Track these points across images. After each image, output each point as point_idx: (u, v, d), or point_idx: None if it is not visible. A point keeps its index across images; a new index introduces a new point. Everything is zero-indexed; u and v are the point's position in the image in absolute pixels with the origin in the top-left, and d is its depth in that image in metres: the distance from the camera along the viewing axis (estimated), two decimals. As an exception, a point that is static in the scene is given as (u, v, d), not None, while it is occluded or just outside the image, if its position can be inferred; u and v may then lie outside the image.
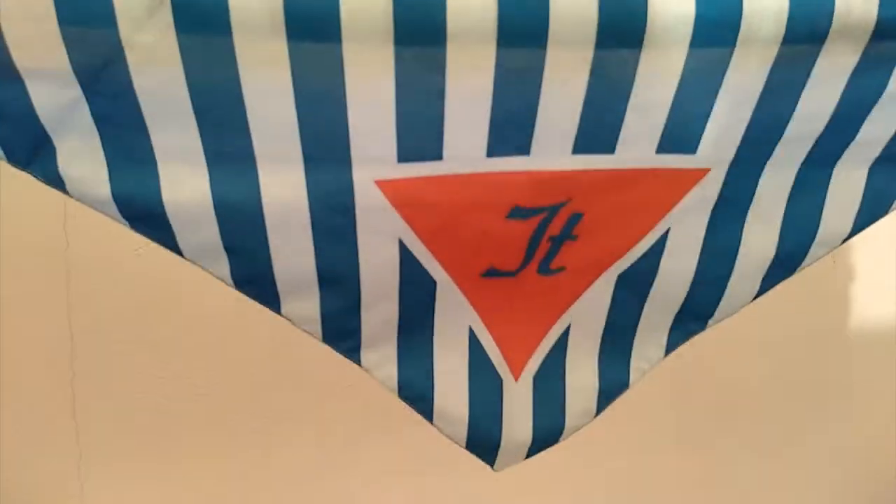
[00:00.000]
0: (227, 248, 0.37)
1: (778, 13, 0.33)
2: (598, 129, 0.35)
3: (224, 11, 0.30)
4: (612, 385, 0.46)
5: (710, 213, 0.40)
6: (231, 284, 0.39)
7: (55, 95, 0.32)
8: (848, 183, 0.41)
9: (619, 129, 0.35)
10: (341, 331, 0.42)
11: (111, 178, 0.35)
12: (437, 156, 0.35)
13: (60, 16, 0.30)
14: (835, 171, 0.40)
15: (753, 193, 0.40)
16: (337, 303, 0.40)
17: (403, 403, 0.44)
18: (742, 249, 0.42)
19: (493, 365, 0.44)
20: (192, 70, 0.32)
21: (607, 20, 0.32)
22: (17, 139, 0.33)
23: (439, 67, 0.32)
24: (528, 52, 0.32)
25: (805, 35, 0.33)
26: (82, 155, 0.34)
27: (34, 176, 0.34)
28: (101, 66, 0.32)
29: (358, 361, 0.43)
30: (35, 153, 0.34)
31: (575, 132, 0.35)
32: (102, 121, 0.34)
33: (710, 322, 0.45)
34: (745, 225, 0.41)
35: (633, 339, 0.45)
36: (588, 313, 0.43)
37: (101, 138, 0.34)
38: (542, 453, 0.47)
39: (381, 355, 0.43)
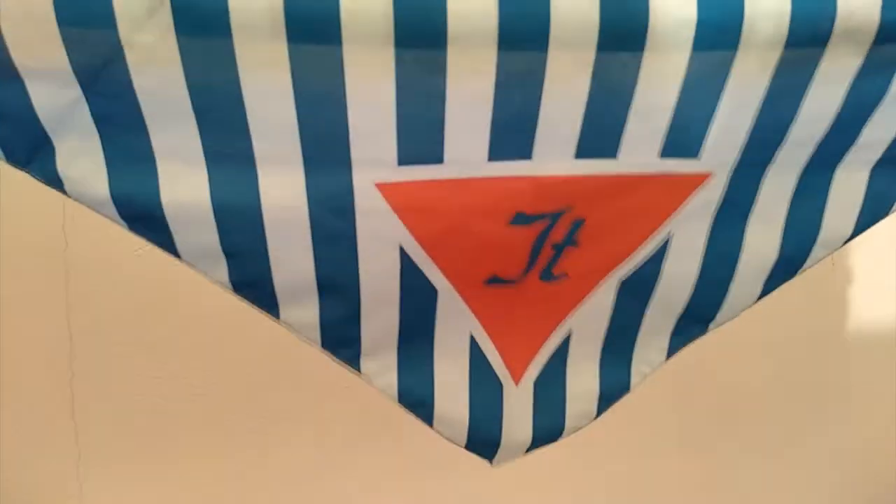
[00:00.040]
0: (225, 251, 0.37)
1: (780, 16, 0.32)
2: (601, 134, 0.35)
3: (224, 13, 0.30)
4: (613, 388, 0.46)
5: (713, 218, 0.40)
6: (229, 289, 0.38)
7: (55, 95, 0.32)
8: (849, 185, 0.41)
9: (622, 134, 0.35)
10: (341, 339, 0.41)
11: (110, 178, 0.34)
12: (438, 159, 0.35)
13: (60, 16, 0.30)
14: (836, 174, 0.40)
15: (755, 197, 0.40)
16: (336, 310, 0.40)
17: (402, 405, 0.44)
18: (744, 253, 0.42)
19: (493, 371, 0.44)
20: (191, 71, 0.32)
21: (608, 23, 0.31)
22: (17, 139, 0.33)
23: (440, 70, 0.32)
24: (529, 56, 0.32)
25: (807, 38, 0.33)
26: (82, 155, 0.34)
27: (33, 176, 0.34)
28: (100, 67, 0.32)
29: (358, 370, 0.43)
30: (34, 153, 0.33)
31: (577, 136, 0.35)
32: (102, 121, 0.34)
33: (712, 325, 0.45)
34: (747, 228, 0.41)
35: (635, 342, 0.45)
36: (590, 318, 0.43)
37: (101, 138, 0.34)
38: (542, 455, 0.47)
39: (382, 363, 0.43)
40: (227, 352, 0.73)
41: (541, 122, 0.34)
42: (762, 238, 0.41)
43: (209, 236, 0.36)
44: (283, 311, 0.40)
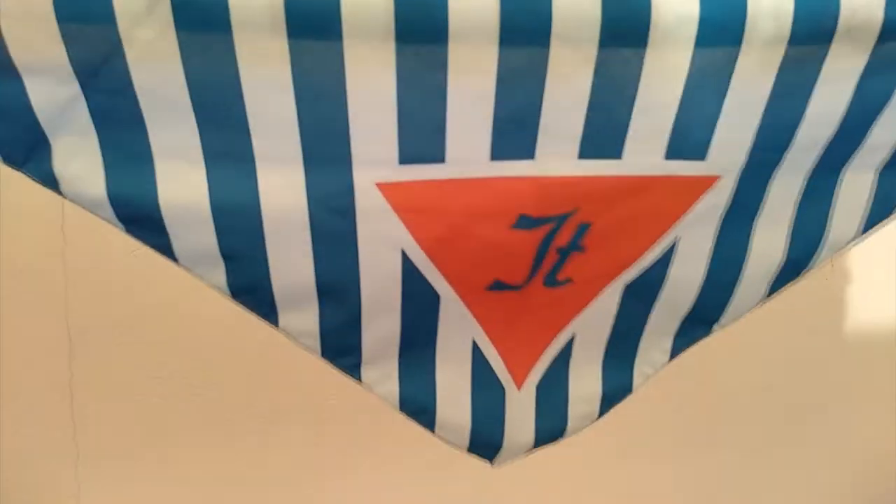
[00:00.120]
0: (223, 254, 0.36)
1: (782, 14, 0.32)
2: (604, 133, 0.35)
3: (224, 9, 0.30)
4: (616, 390, 0.45)
5: (720, 221, 0.40)
6: (227, 294, 0.38)
7: (53, 93, 0.32)
8: (856, 187, 0.40)
9: (626, 133, 0.35)
10: (341, 346, 0.41)
11: (107, 178, 0.34)
12: (440, 158, 0.35)
13: (60, 13, 0.30)
14: (843, 176, 0.40)
15: (763, 200, 0.40)
16: (336, 316, 0.39)
17: (402, 406, 0.44)
18: (750, 256, 0.41)
19: (496, 376, 0.44)
20: (191, 67, 0.32)
21: (610, 19, 0.31)
22: (14, 137, 0.33)
23: (441, 66, 0.32)
24: (530, 52, 0.32)
25: (810, 35, 0.33)
26: (78, 154, 0.34)
27: (29, 176, 0.33)
28: (99, 63, 0.31)
29: (358, 378, 0.42)
30: (31, 152, 0.33)
31: (580, 135, 0.34)
32: (100, 118, 0.33)
33: (716, 327, 0.45)
34: (754, 231, 0.41)
35: (638, 344, 0.45)
36: (593, 322, 0.43)
37: (98, 137, 0.34)
38: (542, 455, 0.47)
39: (382, 372, 0.42)
40: (226, 352, 0.73)
41: (543, 119, 0.34)
42: (769, 241, 0.41)
43: (207, 238, 0.36)
44: (283, 318, 0.39)
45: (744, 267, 0.42)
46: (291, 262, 0.37)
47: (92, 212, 0.35)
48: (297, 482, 0.79)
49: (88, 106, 0.33)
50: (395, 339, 0.41)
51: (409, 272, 0.38)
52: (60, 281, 0.69)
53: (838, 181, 0.40)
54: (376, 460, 0.79)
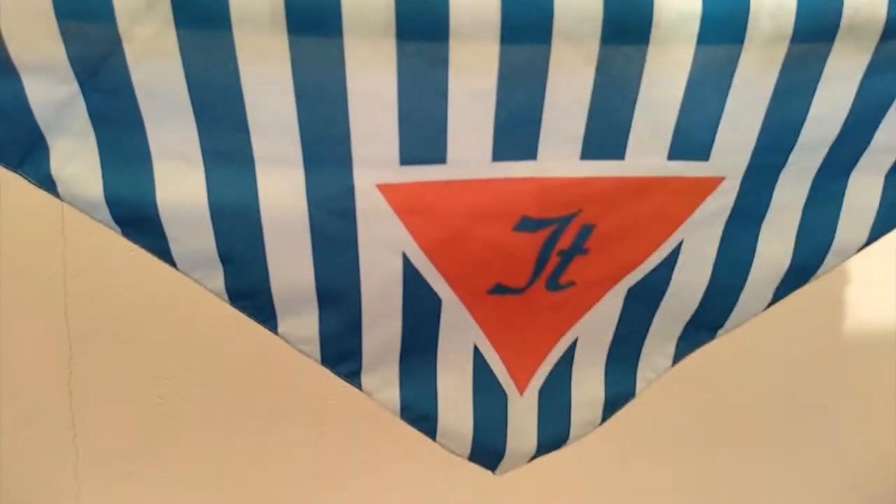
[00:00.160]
0: (222, 257, 0.36)
1: (785, 11, 0.32)
2: (606, 132, 0.34)
3: (224, 5, 0.30)
4: (619, 395, 0.45)
5: (725, 224, 0.39)
6: (226, 299, 0.37)
7: (51, 92, 0.32)
8: (864, 191, 0.40)
9: (628, 132, 0.34)
10: (341, 353, 0.40)
11: (105, 180, 0.34)
12: (441, 159, 0.34)
13: (59, 10, 0.30)
14: (850, 179, 0.40)
15: (769, 204, 0.39)
16: (336, 321, 0.39)
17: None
18: (756, 260, 0.41)
19: (498, 381, 0.43)
20: (190, 65, 0.31)
21: (612, 15, 0.31)
22: (11, 138, 0.32)
23: (442, 63, 0.32)
24: (532, 49, 0.32)
25: (813, 33, 0.33)
26: (76, 155, 0.33)
27: (25, 178, 0.33)
28: (99, 61, 0.31)
29: (358, 385, 0.41)
30: (28, 153, 0.33)
31: (582, 135, 0.34)
32: (98, 118, 0.33)
33: (720, 332, 0.44)
34: (760, 236, 0.40)
35: (641, 349, 0.44)
36: (596, 326, 0.42)
37: (97, 137, 0.33)
38: (543, 457, 0.46)
39: (383, 378, 0.42)
40: (226, 352, 0.73)
41: (545, 119, 0.34)
42: (775, 245, 0.40)
43: (206, 240, 0.35)
44: (282, 323, 0.38)
45: (749, 272, 0.41)
46: (291, 264, 0.36)
47: (89, 214, 0.34)
48: (297, 482, 0.79)
49: (87, 106, 0.32)
50: (395, 345, 0.41)
51: (410, 275, 0.37)
52: (60, 281, 0.68)
53: (845, 185, 0.40)
54: (376, 460, 0.79)
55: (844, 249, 0.41)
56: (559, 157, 0.35)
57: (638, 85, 0.33)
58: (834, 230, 0.41)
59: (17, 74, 0.31)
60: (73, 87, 0.32)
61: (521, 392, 0.43)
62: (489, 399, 0.43)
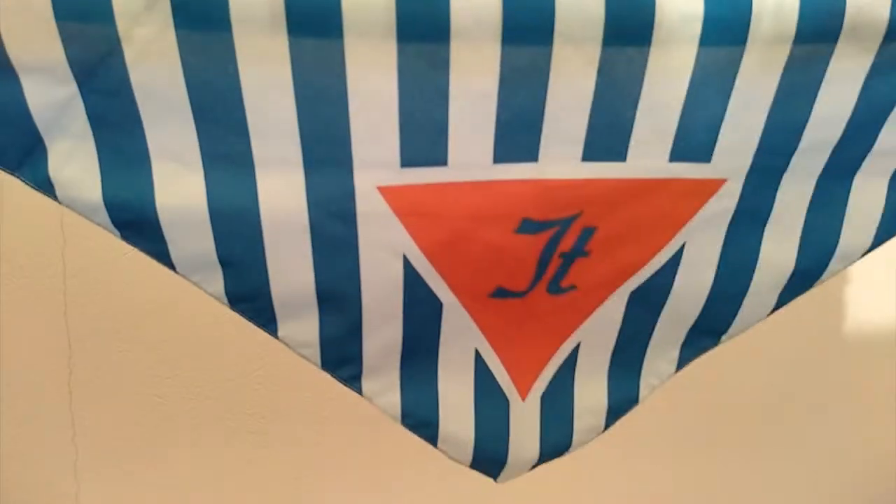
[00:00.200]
0: (221, 260, 0.36)
1: (788, 12, 0.32)
2: (608, 134, 0.34)
3: (223, 6, 0.30)
4: (622, 401, 0.45)
5: (727, 227, 0.39)
6: (225, 302, 0.37)
7: (50, 93, 0.31)
8: (868, 194, 0.40)
9: (630, 134, 0.34)
10: (341, 357, 0.40)
11: (103, 182, 0.33)
12: (442, 161, 0.34)
13: (58, 11, 0.30)
14: (854, 183, 0.39)
15: (771, 206, 0.39)
16: (337, 325, 0.39)
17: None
18: (759, 265, 0.41)
19: (499, 387, 0.43)
20: (190, 66, 0.31)
21: (614, 17, 0.31)
22: (9, 140, 0.32)
23: (443, 65, 0.31)
24: (533, 50, 0.32)
25: (816, 34, 0.33)
26: (75, 157, 0.33)
27: (23, 180, 0.33)
28: (97, 62, 0.31)
29: (359, 390, 0.41)
30: (26, 155, 0.33)
31: (584, 137, 0.34)
32: (97, 120, 0.33)
33: (724, 337, 0.44)
34: (763, 239, 0.40)
35: (644, 355, 0.44)
36: (599, 331, 0.42)
37: (95, 139, 0.33)
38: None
39: (384, 383, 0.41)
40: (225, 351, 0.72)
41: (546, 120, 0.33)
42: (778, 249, 0.40)
43: (205, 243, 0.35)
44: (282, 327, 0.38)
45: (753, 276, 0.41)
46: (291, 268, 0.36)
47: (87, 217, 0.34)
48: (297, 482, 0.79)
49: (85, 107, 0.32)
50: (396, 349, 0.40)
51: (411, 278, 0.37)
52: (60, 280, 0.68)
53: (849, 188, 0.39)
54: (377, 460, 0.79)
55: (849, 254, 0.41)
56: (560, 158, 0.35)
57: (640, 86, 0.33)
58: (838, 234, 0.40)
59: (15, 75, 0.31)
60: (72, 89, 0.32)
61: (524, 398, 0.43)
62: (491, 405, 0.43)
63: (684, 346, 0.44)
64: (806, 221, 0.40)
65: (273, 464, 0.78)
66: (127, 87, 0.32)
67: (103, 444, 0.75)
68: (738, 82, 0.34)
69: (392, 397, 0.42)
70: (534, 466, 0.45)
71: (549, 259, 0.38)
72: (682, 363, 0.45)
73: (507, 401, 0.43)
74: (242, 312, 0.38)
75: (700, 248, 0.39)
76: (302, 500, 0.80)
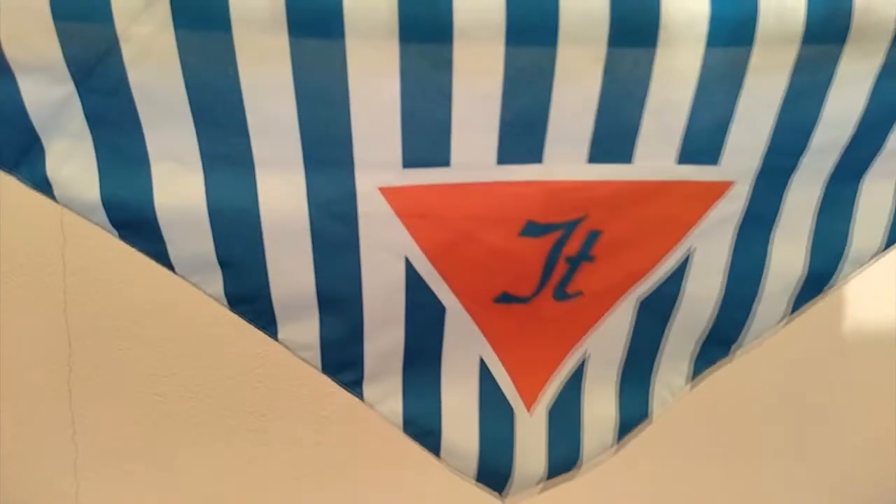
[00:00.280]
0: (221, 261, 0.35)
1: (795, 12, 0.32)
2: (614, 135, 0.34)
3: (223, 6, 0.30)
4: (632, 416, 0.44)
5: (736, 231, 0.38)
6: (225, 304, 0.37)
7: (48, 93, 0.31)
8: (877, 197, 0.39)
9: (636, 136, 0.34)
10: (342, 361, 0.40)
11: (101, 182, 0.33)
12: (445, 162, 0.34)
13: (55, 10, 0.29)
14: (863, 185, 0.39)
15: (779, 209, 0.38)
16: (337, 328, 0.38)
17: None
18: (769, 269, 0.40)
19: (504, 396, 0.42)
20: (189, 66, 0.31)
21: (619, 17, 0.31)
22: (7, 139, 0.32)
23: (446, 65, 0.31)
24: (538, 51, 0.31)
25: (824, 35, 0.32)
26: (72, 157, 0.33)
27: (21, 180, 0.33)
28: (95, 61, 0.31)
29: (360, 396, 0.41)
30: (24, 155, 0.32)
31: (589, 138, 0.34)
32: (95, 120, 0.32)
33: (734, 347, 0.43)
34: (772, 243, 0.39)
35: (654, 367, 0.43)
36: (606, 340, 0.41)
37: (93, 139, 0.33)
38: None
39: (385, 389, 0.41)
40: (225, 349, 0.72)
41: (551, 122, 0.33)
42: (788, 253, 0.40)
43: (204, 244, 0.35)
44: (282, 329, 0.38)
45: (762, 281, 0.40)
46: (291, 269, 0.36)
47: (86, 217, 0.34)
48: (297, 481, 0.79)
49: (83, 106, 0.32)
50: (398, 353, 0.40)
51: (413, 281, 0.37)
52: (60, 278, 0.68)
53: (858, 190, 0.39)
54: (377, 460, 0.79)
55: (859, 256, 0.41)
56: (566, 160, 0.34)
57: (646, 87, 0.33)
58: (847, 237, 0.40)
59: (12, 75, 0.31)
60: (70, 88, 0.31)
61: (530, 409, 0.42)
62: (495, 415, 0.42)
63: (696, 358, 0.43)
64: (815, 224, 0.39)
65: (273, 462, 0.78)
66: (125, 86, 0.31)
67: (103, 442, 0.75)
68: (746, 83, 0.33)
69: (394, 404, 0.41)
70: (540, 482, 0.44)
71: (554, 263, 0.37)
72: (695, 377, 0.43)
73: (512, 412, 0.42)
74: (242, 314, 0.37)
75: (708, 252, 0.39)
76: (302, 499, 0.80)
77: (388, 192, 0.34)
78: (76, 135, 0.33)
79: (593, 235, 0.37)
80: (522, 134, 0.33)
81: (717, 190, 0.36)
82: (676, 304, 0.40)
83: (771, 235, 0.39)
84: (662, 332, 0.42)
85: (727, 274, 0.40)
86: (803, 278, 0.41)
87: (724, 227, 0.38)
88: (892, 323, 0.81)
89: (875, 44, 0.33)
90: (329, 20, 0.30)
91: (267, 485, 0.79)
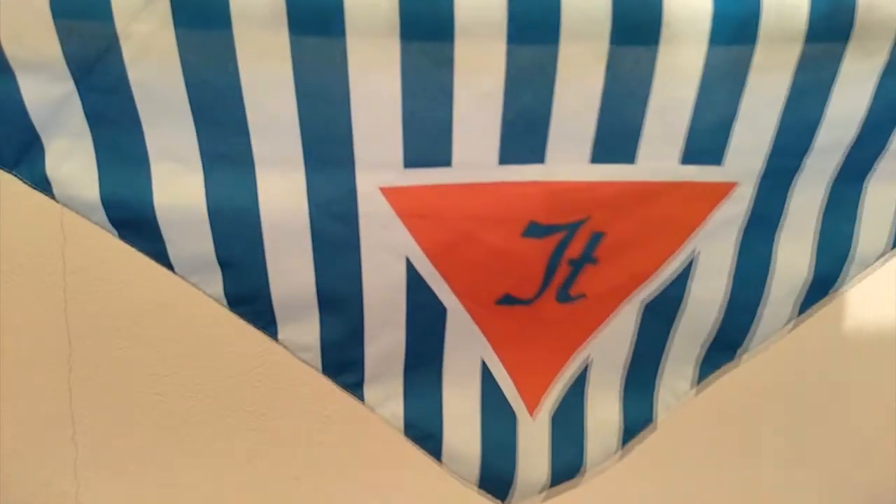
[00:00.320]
0: (220, 261, 0.35)
1: (798, 10, 0.31)
2: (617, 135, 0.33)
3: (223, 3, 0.29)
4: (637, 422, 0.43)
5: (740, 233, 0.38)
6: (225, 304, 0.36)
7: (47, 90, 0.31)
8: (882, 197, 0.39)
9: (639, 135, 0.34)
10: (342, 362, 0.39)
11: (101, 180, 0.33)
12: (446, 161, 0.33)
13: (55, 7, 0.29)
14: (867, 185, 0.38)
15: (784, 210, 0.38)
16: (338, 328, 0.38)
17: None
18: (774, 272, 0.39)
19: (506, 400, 0.41)
20: (189, 64, 0.31)
21: (621, 14, 0.30)
22: (6, 137, 0.32)
23: (447, 63, 0.31)
24: (539, 49, 0.31)
25: (827, 32, 0.32)
26: (72, 155, 0.33)
27: (20, 178, 0.33)
28: (95, 59, 0.31)
29: (361, 398, 0.40)
30: (23, 153, 0.32)
31: (592, 138, 0.33)
32: (95, 118, 0.32)
33: (740, 351, 0.42)
34: (777, 245, 0.39)
35: (659, 371, 0.42)
36: (610, 344, 0.41)
37: (93, 137, 0.33)
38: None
39: (386, 391, 0.40)
40: (225, 348, 0.72)
41: (553, 121, 0.33)
42: (793, 255, 0.39)
43: (204, 244, 0.34)
44: (282, 330, 0.38)
45: (767, 284, 0.40)
46: (291, 269, 0.35)
47: (85, 216, 0.34)
48: (298, 480, 0.79)
49: (83, 105, 0.32)
50: (399, 355, 0.40)
51: (414, 282, 0.37)
52: (60, 277, 0.68)
53: (862, 191, 0.39)
54: (378, 459, 0.79)
55: (865, 258, 0.40)
56: (568, 160, 0.34)
57: (649, 86, 0.32)
58: (852, 238, 0.40)
59: (11, 73, 0.31)
60: (69, 86, 0.31)
61: (532, 414, 0.42)
62: (498, 420, 0.41)
63: (701, 362, 0.42)
64: (819, 225, 0.39)
65: (273, 462, 0.78)
66: (125, 84, 0.31)
67: (103, 441, 0.74)
68: (749, 82, 0.33)
69: (395, 407, 0.41)
70: (543, 490, 0.43)
71: (556, 265, 0.37)
72: (700, 382, 0.43)
73: (514, 416, 0.42)
74: (242, 315, 0.37)
75: (713, 255, 0.38)
76: (302, 498, 0.80)
77: (389, 192, 0.34)
78: (76, 133, 0.32)
79: (596, 237, 0.36)
80: (524, 133, 0.33)
81: (721, 191, 0.36)
82: (681, 308, 0.40)
83: (775, 237, 0.39)
84: (667, 335, 0.41)
85: (732, 276, 0.39)
86: (809, 281, 0.40)
87: (729, 229, 0.38)
88: (892, 323, 0.81)
89: (879, 42, 0.33)
90: (329, 17, 0.30)
91: (267, 484, 0.79)
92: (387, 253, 0.36)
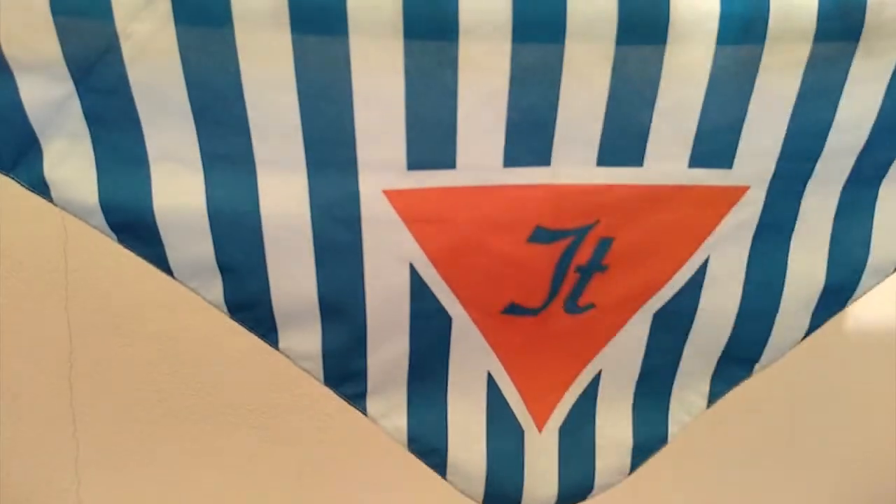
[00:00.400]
0: (220, 265, 0.35)
1: (807, 9, 0.31)
2: (624, 137, 0.33)
3: (224, 2, 0.29)
4: (649, 439, 0.42)
5: (752, 240, 0.37)
6: (224, 311, 0.36)
7: (46, 91, 0.31)
8: (895, 202, 0.38)
9: (647, 137, 0.33)
10: (345, 371, 0.38)
11: (99, 183, 0.32)
12: (451, 164, 0.33)
13: (54, 6, 0.29)
14: (881, 191, 0.38)
15: (796, 216, 0.37)
16: (340, 337, 0.37)
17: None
18: (788, 280, 0.38)
19: (514, 415, 0.40)
20: (190, 63, 0.30)
21: (627, 14, 0.30)
22: (4, 139, 0.31)
23: (451, 64, 0.31)
24: (545, 48, 0.31)
25: (837, 32, 0.32)
26: (70, 157, 0.32)
27: (18, 181, 0.32)
28: (95, 59, 0.30)
29: (363, 410, 0.39)
30: (21, 155, 0.32)
31: (599, 139, 0.33)
32: (94, 119, 0.32)
33: (757, 366, 0.41)
34: (790, 252, 0.38)
35: (672, 387, 0.41)
36: (621, 357, 0.39)
37: (92, 139, 0.32)
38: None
39: (389, 403, 0.39)
40: (226, 347, 0.72)
41: (559, 122, 0.32)
42: (807, 262, 0.38)
43: (204, 247, 0.34)
44: (283, 337, 0.37)
45: (782, 293, 0.38)
46: (292, 274, 0.35)
47: (84, 219, 0.33)
48: (298, 479, 0.79)
49: (82, 106, 0.32)
50: (402, 366, 0.39)
51: (418, 289, 0.36)
52: (61, 275, 0.68)
53: (876, 196, 0.38)
54: (380, 457, 0.79)
55: (881, 266, 0.39)
56: (574, 162, 0.33)
57: (656, 87, 0.32)
58: (868, 245, 0.38)
59: (10, 73, 0.30)
60: (68, 87, 0.31)
61: (540, 429, 0.40)
62: (504, 435, 0.40)
63: (715, 377, 0.41)
64: (833, 232, 0.38)
65: (275, 460, 0.78)
66: (125, 84, 0.31)
67: (104, 439, 0.74)
68: (758, 83, 0.32)
69: (398, 420, 0.40)
70: None
71: (564, 273, 0.36)
72: (713, 397, 0.42)
73: (521, 432, 0.41)
74: (242, 321, 0.37)
75: (725, 263, 0.37)
76: (304, 496, 0.80)
77: (393, 196, 0.34)
78: (74, 134, 0.32)
79: (605, 243, 0.36)
80: (529, 135, 0.33)
81: (732, 195, 0.35)
82: (693, 318, 0.39)
83: (789, 244, 0.38)
84: (680, 348, 0.40)
85: (745, 286, 0.38)
86: (824, 289, 0.39)
87: (741, 235, 0.37)
88: (892, 323, 0.81)
89: (889, 41, 0.32)
90: (332, 17, 0.29)
91: (268, 482, 0.79)
92: (390, 258, 0.35)
